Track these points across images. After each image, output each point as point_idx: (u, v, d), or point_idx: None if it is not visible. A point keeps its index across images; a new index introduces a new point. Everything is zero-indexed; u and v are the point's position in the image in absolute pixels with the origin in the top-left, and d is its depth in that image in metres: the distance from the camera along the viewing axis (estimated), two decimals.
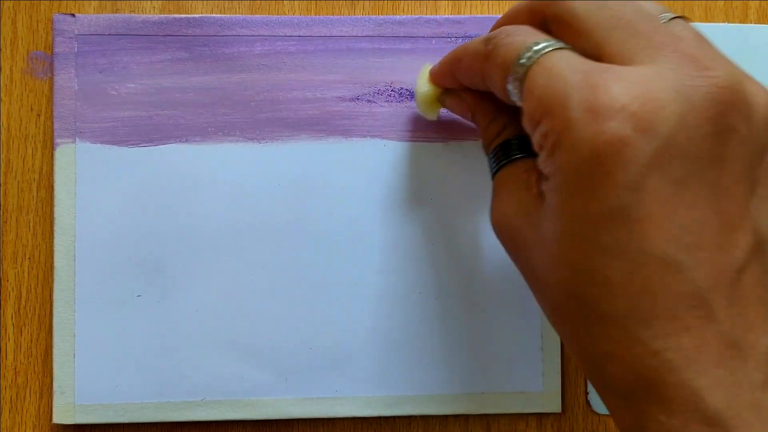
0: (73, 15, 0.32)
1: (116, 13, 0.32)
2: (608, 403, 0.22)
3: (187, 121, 0.32)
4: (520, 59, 0.22)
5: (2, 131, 0.32)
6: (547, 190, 0.22)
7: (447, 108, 0.29)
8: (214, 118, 0.32)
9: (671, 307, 0.20)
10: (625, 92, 0.20)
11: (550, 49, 0.22)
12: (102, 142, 0.31)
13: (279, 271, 0.31)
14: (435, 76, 0.29)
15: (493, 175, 0.26)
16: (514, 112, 0.26)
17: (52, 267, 0.31)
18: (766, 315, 0.21)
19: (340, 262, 0.32)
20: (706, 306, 0.20)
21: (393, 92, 0.32)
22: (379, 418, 0.32)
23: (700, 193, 0.20)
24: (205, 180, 0.32)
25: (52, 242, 0.31)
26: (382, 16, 0.32)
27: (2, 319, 0.32)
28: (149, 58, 0.32)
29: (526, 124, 0.23)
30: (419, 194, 0.32)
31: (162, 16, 0.32)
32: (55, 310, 0.31)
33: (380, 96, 0.32)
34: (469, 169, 0.32)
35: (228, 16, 0.32)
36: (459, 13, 0.33)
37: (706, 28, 0.30)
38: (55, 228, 0.31)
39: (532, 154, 0.24)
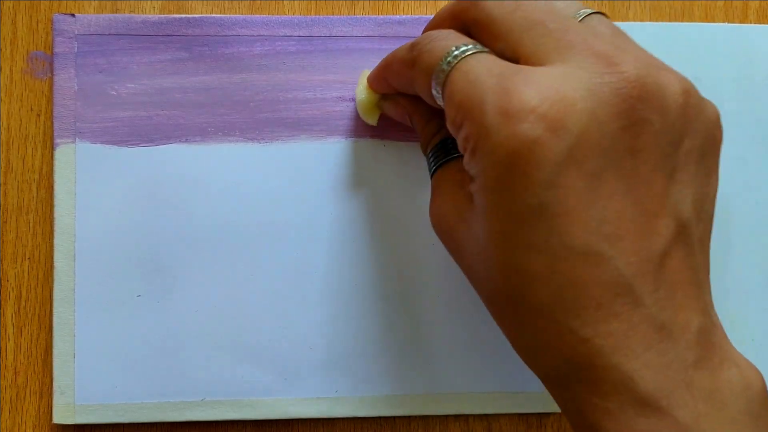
0: (73, 15, 0.32)
1: (116, 13, 0.32)
2: (549, 389, 0.23)
3: (187, 121, 0.32)
4: (441, 65, 0.23)
5: (2, 131, 0.32)
6: (473, 190, 0.23)
7: (385, 112, 0.30)
8: (214, 118, 0.32)
9: (597, 296, 0.21)
10: (535, 94, 0.20)
11: (469, 53, 0.23)
12: (102, 142, 0.31)
13: (279, 271, 0.31)
14: (371, 82, 0.30)
15: (432, 175, 0.27)
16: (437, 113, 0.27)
17: (52, 267, 0.31)
18: (695, 295, 0.22)
19: (340, 262, 0.32)
20: (631, 292, 0.21)
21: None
22: (379, 418, 0.32)
23: (617, 185, 0.21)
24: (205, 180, 0.32)
25: (52, 242, 0.31)
26: (382, 16, 0.32)
27: (2, 319, 0.32)
28: (149, 58, 0.32)
29: (450, 127, 0.23)
30: (419, 194, 0.32)
31: (162, 16, 0.32)
32: (55, 310, 0.31)
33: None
34: None
35: (228, 16, 0.32)
36: None
37: (706, 28, 0.30)
38: (55, 228, 0.31)
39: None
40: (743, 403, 0.21)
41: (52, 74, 0.32)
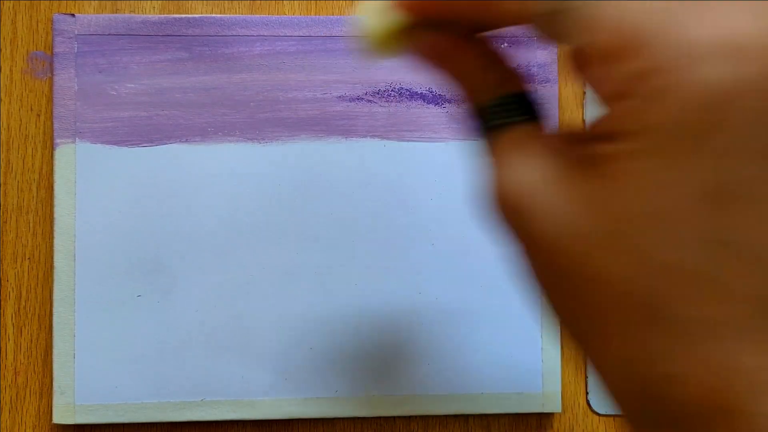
0: (73, 15, 0.32)
1: (116, 13, 0.32)
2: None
3: (187, 121, 0.32)
4: None
5: (2, 131, 0.32)
6: (613, 154, 0.16)
7: (413, 48, 0.22)
8: (214, 118, 0.32)
9: None
10: (759, 27, 0.15)
11: None
12: (102, 142, 0.31)
13: (279, 271, 0.31)
14: (410, 2, 0.20)
15: (490, 137, 0.20)
16: (508, 64, 0.21)
17: (52, 267, 0.31)
18: None
19: (340, 262, 0.32)
20: None
21: (393, 92, 0.32)
22: (379, 418, 0.32)
23: None
24: (205, 180, 0.32)
25: (52, 242, 0.31)
26: None
27: (2, 319, 0.32)
28: (149, 58, 0.32)
29: (592, 65, 0.17)
30: (419, 194, 0.32)
31: (162, 16, 0.32)
32: (55, 310, 0.31)
33: (380, 96, 0.32)
34: (468, 169, 0.32)
35: (228, 16, 0.32)
36: None
37: None
38: (55, 228, 0.31)
39: (535, 116, 0.20)
40: None
41: (52, 74, 0.32)
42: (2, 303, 0.32)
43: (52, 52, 0.32)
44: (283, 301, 0.31)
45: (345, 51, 0.32)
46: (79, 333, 0.31)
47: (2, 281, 0.32)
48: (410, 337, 0.32)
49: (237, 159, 0.32)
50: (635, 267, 0.16)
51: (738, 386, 0.15)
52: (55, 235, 0.31)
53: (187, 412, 0.31)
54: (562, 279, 0.18)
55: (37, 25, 0.32)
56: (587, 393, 0.33)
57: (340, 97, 0.32)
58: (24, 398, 0.32)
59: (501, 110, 0.20)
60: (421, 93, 0.32)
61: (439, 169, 0.32)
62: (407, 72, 0.32)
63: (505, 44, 0.32)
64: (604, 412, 0.32)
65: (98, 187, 0.31)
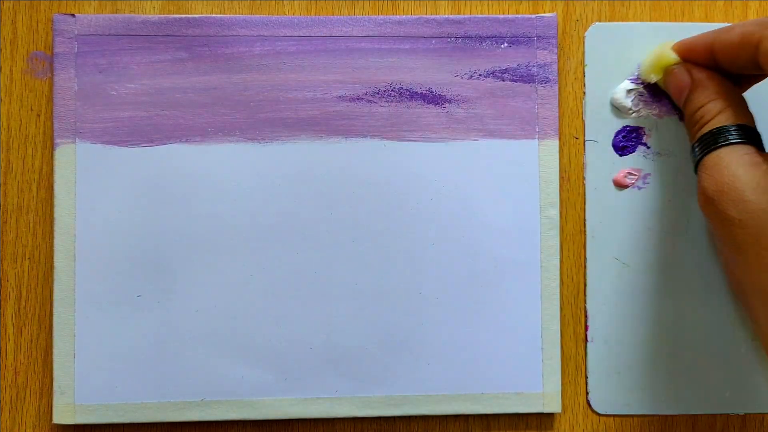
0: (73, 15, 0.32)
1: (116, 13, 0.32)
2: None
3: (187, 121, 0.32)
4: None
5: (2, 131, 0.32)
6: None
7: (668, 79, 0.31)
8: (214, 118, 0.32)
9: None
10: None
11: None
12: (102, 142, 0.31)
13: (279, 270, 0.31)
14: (684, 46, 0.30)
15: (706, 155, 0.28)
16: (735, 98, 0.28)
17: (52, 267, 0.31)
18: None
19: (340, 261, 0.32)
20: None
21: (393, 92, 0.32)
22: (379, 418, 0.32)
23: None
24: (205, 180, 0.32)
25: (52, 242, 0.31)
26: (382, 16, 0.32)
27: (2, 319, 0.32)
28: (149, 58, 0.32)
29: None
30: (419, 194, 0.32)
31: (162, 16, 0.32)
32: (55, 310, 0.31)
33: (380, 96, 0.32)
34: (469, 169, 0.32)
35: (228, 16, 0.32)
36: (459, 13, 0.33)
37: (706, 28, 0.30)
38: (55, 228, 0.31)
39: (749, 142, 0.27)
40: None
41: (52, 74, 0.32)
42: (2, 303, 0.32)
43: (52, 52, 0.32)
44: (283, 301, 0.31)
45: (345, 51, 0.32)
46: (79, 333, 0.31)
47: (2, 281, 0.32)
48: (410, 337, 0.32)
49: (237, 159, 0.32)
50: None
51: None
52: (55, 235, 0.31)
53: (187, 412, 0.31)
54: (752, 265, 0.25)
55: (37, 25, 0.32)
56: (587, 393, 0.33)
57: (340, 97, 0.32)
58: (24, 398, 0.32)
59: (717, 135, 0.27)
60: (421, 93, 0.32)
61: (439, 169, 0.32)
62: (407, 72, 0.32)
63: (505, 44, 0.32)
64: (604, 412, 0.32)
65: (98, 187, 0.31)
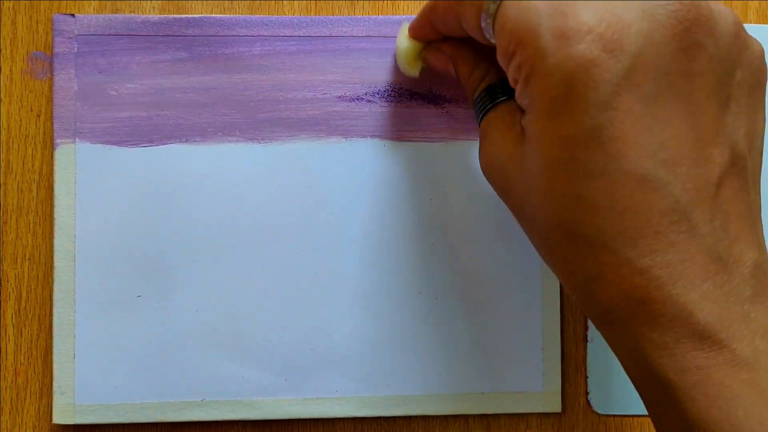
0: (73, 15, 0.32)
1: (116, 13, 0.32)
2: (603, 331, 0.22)
3: (187, 121, 0.32)
4: None
5: (2, 131, 0.32)
6: (525, 123, 0.23)
7: (427, 63, 0.30)
8: (214, 118, 0.32)
9: (654, 224, 0.20)
10: (592, 16, 0.20)
11: None
12: (102, 142, 0.31)
13: (279, 271, 0.31)
14: (414, 29, 0.29)
15: (480, 122, 0.26)
16: (493, 57, 0.26)
17: (52, 267, 0.31)
18: (749, 229, 0.21)
19: (340, 261, 0.32)
20: (687, 220, 0.20)
21: (393, 92, 0.32)
22: (379, 418, 0.32)
23: (674, 109, 0.21)
24: (205, 180, 0.32)
25: (52, 242, 0.31)
26: (382, 16, 0.32)
27: (2, 320, 0.32)
28: (149, 58, 0.32)
29: (501, 59, 0.23)
30: (419, 194, 0.32)
31: (162, 16, 0.32)
32: (55, 311, 0.31)
33: (380, 96, 0.32)
34: (469, 169, 0.32)
35: (228, 16, 0.32)
36: None
37: None
38: (55, 228, 0.31)
39: (513, 96, 0.25)
40: None
41: (52, 74, 0.32)
42: (2, 304, 0.32)
43: (52, 53, 0.32)
44: (283, 301, 0.31)
45: (345, 51, 0.32)
46: (79, 333, 0.31)
47: (2, 282, 0.32)
48: (410, 337, 0.32)
49: (237, 159, 0.32)
50: (548, 202, 0.22)
51: (654, 280, 0.20)
52: (55, 235, 0.31)
53: (187, 412, 0.31)
54: (521, 222, 0.25)
55: (37, 26, 0.32)
56: (587, 393, 0.33)
57: (340, 97, 0.32)
58: (24, 398, 0.32)
59: (484, 98, 0.26)
60: (421, 93, 0.32)
61: (439, 169, 0.32)
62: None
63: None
64: (604, 412, 0.32)
65: (98, 187, 0.31)
